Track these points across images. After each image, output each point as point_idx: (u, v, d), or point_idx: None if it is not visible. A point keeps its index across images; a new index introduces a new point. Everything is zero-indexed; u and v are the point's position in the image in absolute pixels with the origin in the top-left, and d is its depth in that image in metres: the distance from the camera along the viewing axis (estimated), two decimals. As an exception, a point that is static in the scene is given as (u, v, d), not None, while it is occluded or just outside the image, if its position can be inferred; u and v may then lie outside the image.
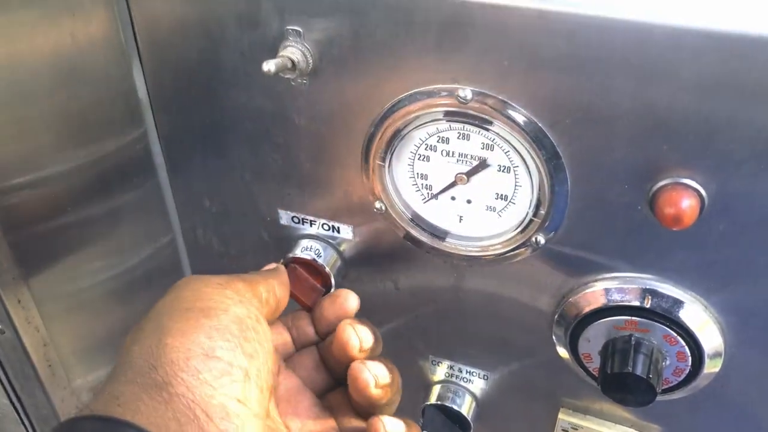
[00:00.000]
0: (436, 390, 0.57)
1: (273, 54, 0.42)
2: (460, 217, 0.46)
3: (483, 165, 0.43)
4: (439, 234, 0.47)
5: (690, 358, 0.43)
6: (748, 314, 0.41)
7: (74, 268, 0.53)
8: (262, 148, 0.49)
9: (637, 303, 0.43)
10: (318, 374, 0.42)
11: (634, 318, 0.43)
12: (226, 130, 0.50)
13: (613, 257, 0.43)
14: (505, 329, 0.51)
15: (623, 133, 0.37)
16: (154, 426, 0.29)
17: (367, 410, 0.39)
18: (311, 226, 0.52)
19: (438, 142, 0.43)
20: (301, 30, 0.42)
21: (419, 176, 0.45)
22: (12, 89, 0.44)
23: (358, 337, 0.39)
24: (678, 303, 0.42)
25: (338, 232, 0.51)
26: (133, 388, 0.31)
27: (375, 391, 0.37)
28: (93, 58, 0.48)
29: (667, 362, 0.43)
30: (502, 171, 0.42)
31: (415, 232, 0.47)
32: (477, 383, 0.56)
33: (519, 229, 0.44)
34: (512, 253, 0.45)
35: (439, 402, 0.56)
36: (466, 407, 0.56)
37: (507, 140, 0.41)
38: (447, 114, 0.41)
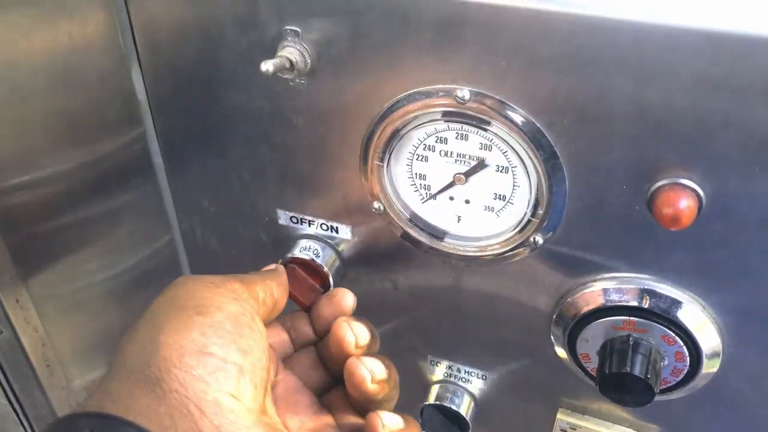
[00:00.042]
0: (434, 390, 0.57)
1: (271, 54, 0.42)
2: (459, 217, 0.46)
3: (481, 165, 0.43)
4: (438, 234, 0.47)
5: (688, 359, 0.43)
6: (746, 314, 0.41)
7: (72, 268, 0.53)
8: (260, 148, 0.49)
9: (635, 303, 0.43)
10: (316, 373, 0.42)
11: (632, 318, 0.43)
12: (224, 131, 0.50)
13: (612, 257, 0.43)
14: (503, 329, 0.51)
15: (621, 133, 0.37)
16: (147, 422, 0.29)
17: (365, 407, 0.39)
18: (310, 226, 0.52)
19: (436, 142, 0.43)
20: (299, 30, 0.42)
21: (418, 176, 0.45)
22: (10, 90, 0.44)
23: (353, 333, 0.39)
24: (676, 303, 0.42)
25: (337, 232, 0.51)
26: (127, 385, 0.31)
27: (371, 387, 0.37)
28: (91, 59, 0.48)
29: (666, 362, 0.44)
30: (501, 171, 0.42)
31: (413, 233, 0.47)
32: (475, 383, 0.56)
33: (517, 229, 0.44)
34: (510, 253, 0.45)
35: (437, 402, 0.56)
36: (464, 407, 0.56)
37: (505, 140, 0.41)
38: (445, 114, 0.41)
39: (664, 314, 0.42)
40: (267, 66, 0.40)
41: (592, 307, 0.44)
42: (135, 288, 0.58)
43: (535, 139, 0.39)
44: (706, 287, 0.41)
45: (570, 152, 0.39)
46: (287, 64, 0.41)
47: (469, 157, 0.43)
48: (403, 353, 0.56)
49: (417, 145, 0.44)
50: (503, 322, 0.50)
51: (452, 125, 0.42)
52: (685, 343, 0.42)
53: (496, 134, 0.41)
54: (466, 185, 0.44)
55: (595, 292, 0.44)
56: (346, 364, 0.38)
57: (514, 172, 0.42)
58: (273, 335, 0.43)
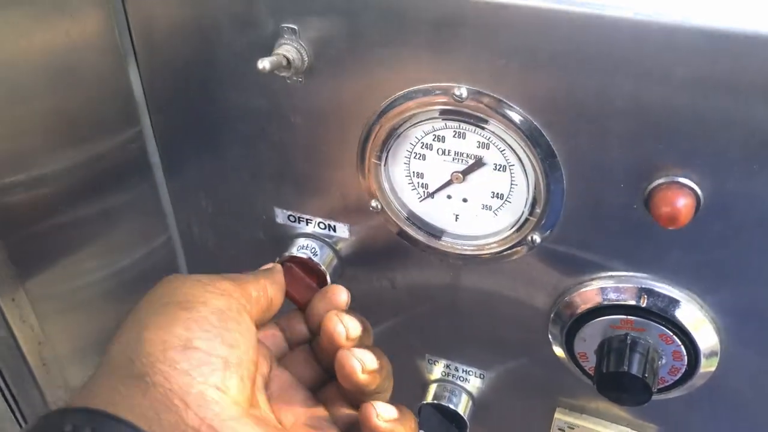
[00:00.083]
0: (432, 389, 0.57)
1: (268, 53, 0.42)
2: (456, 215, 0.46)
3: (479, 163, 0.43)
4: (435, 233, 0.47)
5: (686, 357, 0.43)
6: (744, 313, 0.41)
7: (70, 267, 0.52)
8: (258, 147, 0.49)
9: (633, 302, 0.43)
10: (310, 369, 0.42)
11: (630, 317, 0.43)
12: (221, 129, 0.50)
13: (609, 256, 0.43)
14: (501, 328, 0.51)
15: (619, 131, 0.37)
16: (130, 415, 0.29)
17: (358, 399, 0.39)
18: (307, 224, 0.52)
19: (434, 140, 0.43)
20: (296, 28, 0.41)
21: (415, 175, 0.45)
22: (6, 89, 0.43)
23: (344, 325, 0.39)
24: (674, 302, 0.42)
25: (334, 230, 0.51)
26: (111, 381, 0.31)
27: (362, 377, 0.37)
28: (88, 58, 0.47)
29: (663, 361, 0.43)
30: (498, 170, 0.42)
31: (411, 231, 0.47)
32: (473, 382, 0.56)
33: (515, 228, 0.44)
34: (508, 251, 0.45)
35: (435, 401, 0.56)
36: (462, 406, 0.56)
37: (503, 139, 0.41)
38: (443, 112, 0.41)
39: (661, 313, 0.42)
40: (264, 64, 0.40)
41: (589, 305, 0.44)
42: (132, 287, 0.58)
43: (533, 137, 0.39)
44: (704, 286, 0.41)
45: (568, 151, 0.39)
46: (284, 62, 0.41)
47: (467, 155, 0.43)
48: (400, 352, 0.56)
49: (414, 144, 0.44)
50: (501, 321, 0.50)
51: (450, 123, 0.42)
52: (683, 342, 0.42)
53: (493, 132, 0.41)
54: (463, 184, 0.44)
55: (592, 290, 0.44)
56: (337, 356, 0.38)
57: (512, 171, 0.42)
58: (268, 334, 0.43)
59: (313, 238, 0.52)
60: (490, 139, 0.41)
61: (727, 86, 0.34)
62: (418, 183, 0.45)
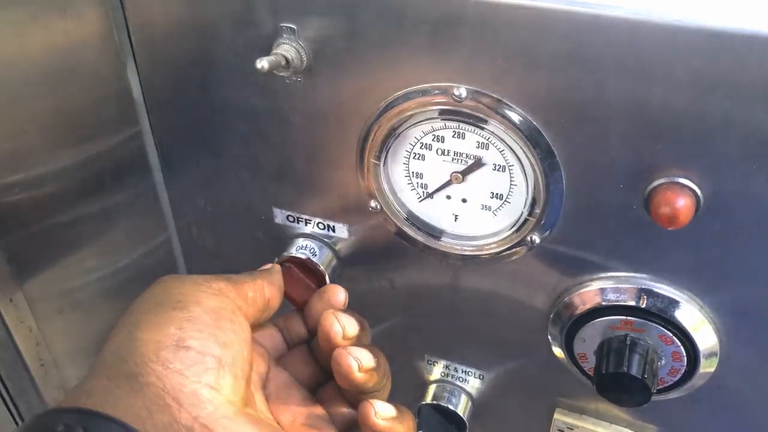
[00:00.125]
0: (431, 389, 0.57)
1: (267, 52, 0.42)
2: (456, 216, 0.46)
3: (478, 164, 0.43)
4: (435, 233, 0.47)
5: (685, 358, 0.43)
6: (744, 314, 0.41)
7: (68, 267, 0.52)
8: (256, 146, 0.49)
9: (632, 303, 0.42)
10: (308, 369, 0.42)
11: (629, 318, 0.43)
12: (220, 129, 0.50)
13: (609, 257, 0.43)
14: (500, 329, 0.51)
15: (618, 132, 0.37)
16: (122, 414, 0.29)
17: (356, 398, 0.39)
18: (306, 225, 0.52)
19: (433, 140, 0.43)
20: (295, 27, 0.41)
21: (414, 175, 0.45)
22: (3, 88, 0.43)
23: (340, 324, 0.39)
24: (673, 303, 0.42)
25: (333, 231, 0.51)
26: (103, 381, 0.31)
27: (359, 375, 0.37)
28: (86, 57, 0.47)
29: (663, 362, 0.43)
30: (498, 170, 0.42)
31: (410, 231, 0.47)
32: (473, 383, 0.56)
33: (514, 229, 0.44)
34: (507, 252, 0.45)
35: (434, 401, 0.56)
36: (461, 407, 0.56)
37: (502, 139, 0.41)
38: (442, 112, 0.41)
39: (661, 314, 0.42)
40: (262, 63, 0.39)
41: (589, 306, 0.44)
42: (131, 287, 0.57)
43: (532, 137, 0.39)
44: (703, 287, 0.41)
45: (567, 151, 0.39)
46: (283, 62, 0.41)
47: (466, 155, 0.43)
48: (399, 352, 0.56)
49: (414, 144, 0.44)
50: (500, 322, 0.50)
51: (449, 124, 0.42)
52: (683, 343, 0.42)
53: (493, 133, 0.41)
54: (463, 184, 0.44)
55: (592, 291, 0.44)
56: (333, 355, 0.38)
57: (511, 171, 0.42)
58: (266, 335, 0.43)
59: (312, 238, 0.52)
60: (490, 140, 0.41)
61: (727, 86, 0.34)
62: (418, 183, 0.45)
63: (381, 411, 0.37)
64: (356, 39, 0.40)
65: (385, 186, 0.46)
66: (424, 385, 0.58)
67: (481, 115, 0.40)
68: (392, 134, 0.43)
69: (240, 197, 0.53)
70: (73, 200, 0.50)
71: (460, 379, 0.56)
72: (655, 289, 0.42)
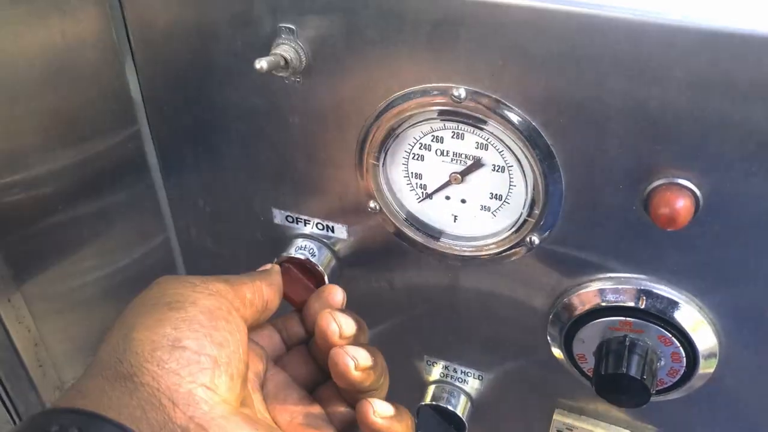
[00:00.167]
0: (430, 390, 0.57)
1: (266, 52, 0.42)
2: (455, 216, 0.46)
3: (477, 164, 0.43)
4: (434, 234, 0.47)
5: (685, 359, 0.43)
6: (743, 315, 0.41)
7: (66, 267, 0.52)
8: (256, 147, 0.49)
9: (631, 303, 0.42)
10: (307, 369, 0.42)
11: (628, 319, 0.43)
12: (219, 129, 0.50)
13: (608, 257, 0.43)
14: (499, 329, 0.51)
15: (617, 132, 0.37)
16: (116, 415, 0.29)
17: (354, 397, 0.39)
18: (305, 225, 0.52)
19: (432, 141, 0.43)
20: (294, 28, 0.41)
21: (413, 175, 0.45)
22: (1, 88, 0.43)
23: (336, 323, 0.39)
24: (672, 304, 0.42)
25: (332, 231, 0.51)
26: (98, 382, 0.31)
27: (356, 374, 0.37)
28: (84, 57, 0.47)
29: (662, 363, 0.43)
30: (497, 170, 0.42)
31: (409, 232, 0.47)
32: (472, 383, 0.56)
33: (513, 229, 0.44)
34: (507, 253, 0.45)
35: (433, 402, 0.56)
36: (461, 407, 0.56)
37: (501, 140, 0.41)
38: (441, 113, 0.41)
39: (660, 315, 0.42)
40: (261, 64, 0.39)
41: (588, 307, 0.44)
42: (130, 288, 0.57)
43: (531, 138, 0.39)
44: (702, 288, 0.41)
45: (566, 152, 0.39)
46: (282, 62, 0.41)
47: (466, 156, 0.43)
48: (399, 353, 0.56)
49: (413, 144, 0.44)
50: (500, 322, 0.50)
51: (448, 124, 0.42)
52: (682, 344, 0.42)
53: (492, 133, 0.40)
54: (462, 185, 0.44)
55: (591, 292, 0.44)
56: (330, 354, 0.38)
57: (511, 172, 0.42)
58: (265, 336, 0.43)
59: (312, 238, 0.52)
60: (489, 140, 0.41)
61: (726, 87, 0.34)
62: (417, 184, 0.45)
63: (379, 409, 0.37)
64: (355, 39, 0.40)
65: (384, 186, 0.46)
66: (423, 385, 0.58)
67: (481, 116, 0.40)
68: (391, 135, 0.43)
69: (239, 197, 0.53)
70: (72, 200, 0.50)
71: (460, 380, 0.56)
72: (655, 290, 0.42)
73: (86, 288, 0.54)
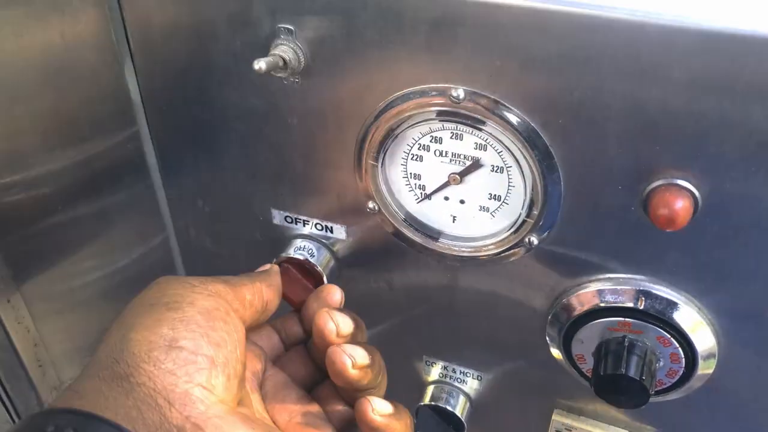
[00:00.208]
0: (429, 390, 0.57)
1: (265, 53, 0.42)
2: (454, 217, 0.46)
3: (476, 165, 0.43)
4: (433, 234, 0.47)
5: (683, 360, 0.43)
6: (742, 315, 0.41)
7: (65, 268, 0.52)
8: (255, 147, 0.49)
9: (630, 304, 0.42)
10: (305, 369, 0.42)
11: (627, 319, 0.43)
12: (218, 130, 0.50)
13: (607, 258, 0.43)
14: (498, 330, 0.51)
15: (616, 133, 0.37)
16: (113, 415, 0.30)
17: (352, 396, 0.39)
18: (304, 225, 0.52)
19: (431, 141, 0.43)
20: (293, 28, 0.41)
21: (412, 176, 0.45)
22: (2, 88, 0.43)
23: (334, 321, 0.39)
24: (671, 304, 0.42)
25: (331, 232, 0.51)
26: (95, 382, 0.31)
27: (353, 372, 0.37)
28: (83, 58, 0.47)
29: (661, 364, 0.43)
30: (496, 171, 0.42)
31: (408, 233, 0.47)
32: (471, 384, 0.56)
33: (512, 230, 0.44)
34: (506, 253, 0.45)
35: (432, 402, 0.56)
36: (459, 408, 0.56)
37: (500, 140, 0.41)
38: (440, 114, 0.41)
39: (659, 315, 0.42)
40: (260, 64, 0.39)
41: (587, 307, 0.44)
42: (129, 288, 0.57)
43: (530, 139, 0.39)
44: (701, 288, 0.41)
45: (565, 152, 0.39)
46: (281, 63, 0.41)
47: (464, 156, 0.43)
48: (398, 353, 0.56)
49: (412, 145, 0.44)
50: (498, 323, 0.50)
51: (447, 125, 0.41)
52: (681, 345, 0.42)
53: (491, 134, 0.40)
54: (461, 185, 0.44)
55: (590, 292, 0.44)
56: (327, 353, 0.38)
57: (509, 172, 0.42)
58: (263, 336, 0.43)
59: (310, 239, 0.52)
60: (488, 141, 0.41)
61: (725, 87, 0.34)
62: (416, 184, 0.45)
63: (378, 407, 0.37)
64: (354, 40, 0.40)
65: (383, 187, 0.46)
66: (422, 386, 0.58)
67: (479, 117, 0.40)
68: (390, 135, 0.43)
69: (238, 198, 0.53)
70: (71, 200, 0.50)
71: (459, 380, 0.56)
72: (654, 291, 0.42)
73: (86, 288, 0.55)
